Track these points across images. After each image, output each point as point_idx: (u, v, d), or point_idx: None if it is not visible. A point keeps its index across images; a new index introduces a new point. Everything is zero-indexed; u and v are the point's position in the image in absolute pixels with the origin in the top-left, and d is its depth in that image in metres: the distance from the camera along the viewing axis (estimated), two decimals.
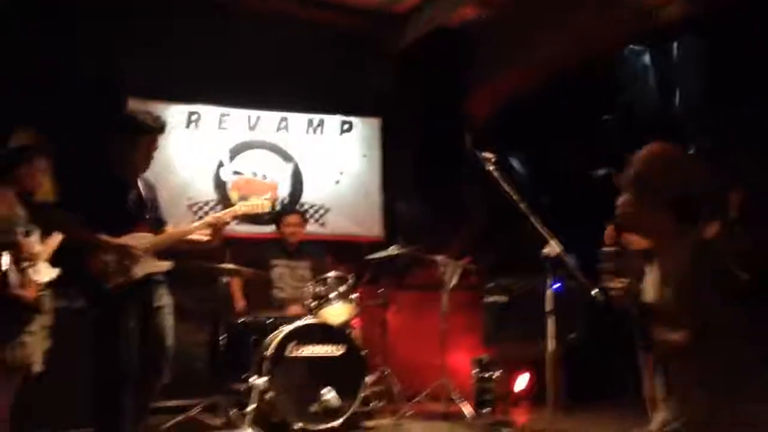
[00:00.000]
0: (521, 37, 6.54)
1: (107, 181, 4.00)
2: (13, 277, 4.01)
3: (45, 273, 4.23)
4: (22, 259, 4.09)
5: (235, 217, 4.40)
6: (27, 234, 4.17)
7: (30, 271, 4.12)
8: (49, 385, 4.38)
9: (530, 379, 6.03)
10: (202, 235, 4.16)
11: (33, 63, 5.57)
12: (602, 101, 6.65)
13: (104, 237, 3.84)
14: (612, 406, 5.59)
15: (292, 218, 6.10)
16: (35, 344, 4.19)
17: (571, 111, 6.54)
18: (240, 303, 5.75)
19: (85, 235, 3.87)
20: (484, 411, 5.62)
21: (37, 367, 4.18)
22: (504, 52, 6.78)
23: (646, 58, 7.02)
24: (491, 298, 6.29)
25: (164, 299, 4.05)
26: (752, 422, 2.17)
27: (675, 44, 6.68)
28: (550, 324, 3.98)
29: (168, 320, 4.04)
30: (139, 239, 3.94)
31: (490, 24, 6.75)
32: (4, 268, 3.96)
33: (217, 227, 4.16)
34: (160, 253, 4.03)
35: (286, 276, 5.88)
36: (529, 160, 7.08)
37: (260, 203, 4.48)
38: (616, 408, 5.45)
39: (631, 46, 6.90)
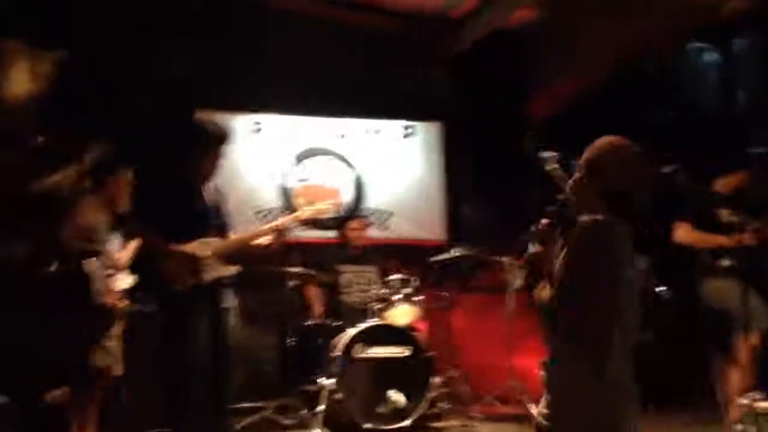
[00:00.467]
0: (580, 37, 6.50)
1: (177, 189, 4.13)
2: (100, 285, 4.17)
3: (124, 280, 4.40)
4: (107, 266, 4.26)
5: (299, 222, 4.49)
6: (109, 242, 4.35)
7: (113, 278, 4.29)
8: (126, 388, 4.55)
9: None
10: (264, 240, 4.26)
11: (109, 74, 5.76)
12: (663, 99, 6.56)
13: (174, 246, 3.96)
14: (683, 409, 5.50)
15: (355, 223, 6.22)
16: (115, 349, 4.35)
17: (632, 109, 6.47)
18: (318, 309, 5.85)
19: (157, 243, 4.01)
20: None
21: (118, 371, 4.34)
22: (563, 52, 6.75)
23: (708, 56, 6.91)
24: None
25: (230, 301, 4.16)
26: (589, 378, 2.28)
27: (737, 41, 6.57)
28: None
29: (231, 321, 4.14)
30: (207, 244, 4.05)
31: (547, 24, 6.73)
32: (91, 275, 4.13)
33: (280, 232, 4.25)
34: (228, 257, 4.14)
35: (354, 281, 5.97)
36: None
37: (322, 208, 4.57)
38: (687, 411, 5.37)
39: (693, 43, 6.80)
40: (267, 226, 4.36)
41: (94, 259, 4.18)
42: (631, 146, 2.43)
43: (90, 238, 4.21)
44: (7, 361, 4.42)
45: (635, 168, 2.41)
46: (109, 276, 4.27)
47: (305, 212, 4.47)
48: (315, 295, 5.89)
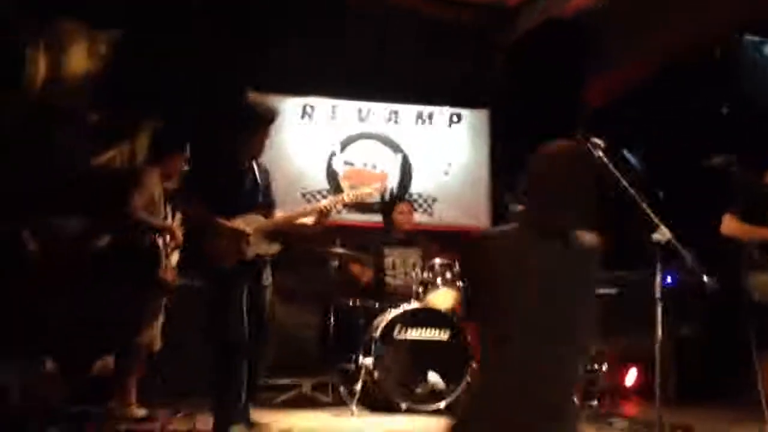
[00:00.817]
0: (637, 25, 6.40)
1: (225, 168, 4.21)
2: (163, 262, 4.28)
3: (176, 256, 4.51)
4: (167, 242, 4.36)
5: (344, 205, 4.54)
6: (168, 217, 4.46)
7: (171, 254, 4.40)
8: (171, 358, 4.67)
9: (639, 374, 5.92)
10: (307, 220, 4.32)
11: (163, 54, 5.79)
12: (717, 91, 6.44)
13: (221, 220, 4.04)
14: (725, 404, 5.43)
15: (402, 206, 6.25)
16: (158, 324, 4.47)
17: (687, 100, 6.37)
18: (364, 279, 5.90)
19: (207, 219, 4.09)
20: (590, 403, 5.56)
21: (158, 345, 4.45)
22: (618, 41, 6.66)
23: (764, 48, 6.77)
24: (600, 290, 6.19)
25: (270, 278, 4.23)
26: None
27: None
28: (659, 311, 3.90)
29: (269, 297, 4.22)
30: (251, 221, 4.12)
31: (604, 14, 6.64)
32: (160, 250, 4.22)
33: (323, 213, 4.30)
34: (271, 235, 4.20)
35: (399, 264, 6.01)
36: (641, 149, 6.93)
37: (368, 192, 4.61)
38: (729, 406, 5.30)
39: (751, 36, 6.66)
40: (311, 207, 4.42)
41: (160, 233, 4.29)
42: (571, 156, 2.32)
43: (155, 211, 4.32)
44: (63, 329, 4.58)
45: (556, 177, 2.28)
46: (169, 251, 4.37)
47: (349, 195, 4.52)
48: (359, 271, 5.95)
